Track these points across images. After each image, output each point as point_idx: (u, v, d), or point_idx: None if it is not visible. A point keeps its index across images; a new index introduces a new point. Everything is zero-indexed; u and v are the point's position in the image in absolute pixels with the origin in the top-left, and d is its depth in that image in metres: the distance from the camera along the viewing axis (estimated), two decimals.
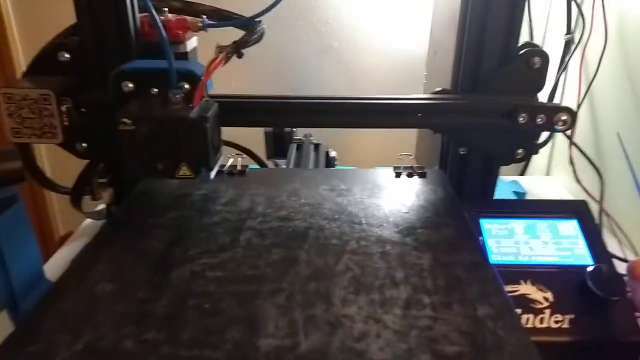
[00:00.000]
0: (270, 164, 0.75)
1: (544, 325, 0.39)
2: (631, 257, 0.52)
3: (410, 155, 0.52)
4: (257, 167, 0.67)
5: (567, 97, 0.73)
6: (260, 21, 0.42)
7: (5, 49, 0.98)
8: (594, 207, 0.49)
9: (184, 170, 0.37)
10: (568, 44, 0.68)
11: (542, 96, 0.47)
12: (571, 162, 0.66)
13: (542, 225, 0.46)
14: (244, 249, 0.36)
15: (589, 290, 0.40)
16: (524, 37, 0.47)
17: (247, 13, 0.44)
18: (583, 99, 0.66)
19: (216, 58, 0.38)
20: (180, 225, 0.39)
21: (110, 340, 0.27)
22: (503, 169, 0.51)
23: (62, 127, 0.42)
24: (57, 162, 0.96)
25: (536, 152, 0.50)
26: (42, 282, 0.40)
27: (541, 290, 0.41)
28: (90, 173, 0.49)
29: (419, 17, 0.94)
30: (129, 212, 0.42)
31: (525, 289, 0.41)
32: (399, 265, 0.34)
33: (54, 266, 0.50)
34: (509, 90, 0.46)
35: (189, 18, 0.43)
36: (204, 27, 0.43)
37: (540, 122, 0.45)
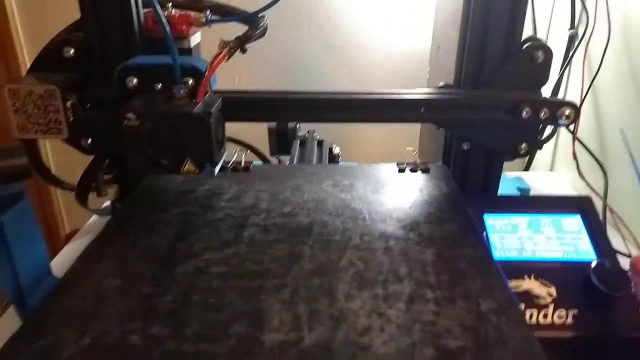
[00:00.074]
0: (273, 160, 0.75)
1: (548, 320, 0.39)
2: (635, 252, 0.52)
3: (414, 151, 0.52)
4: (261, 163, 0.67)
5: (570, 93, 0.72)
6: (263, 16, 0.43)
7: (9, 45, 0.98)
8: (597, 203, 0.49)
9: (188, 166, 0.37)
10: (571, 39, 0.68)
11: (546, 92, 0.47)
12: (575, 158, 0.66)
13: (545, 220, 0.46)
14: (247, 245, 0.36)
15: (592, 286, 0.40)
16: (527, 33, 0.47)
17: (250, 9, 0.44)
18: (586, 94, 0.66)
19: (220, 53, 0.38)
20: (184, 221, 0.39)
21: (115, 335, 0.27)
22: (506, 164, 0.51)
23: (67, 123, 0.42)
24: (62, 160, 0.97)
25: (540, 148, 0.50)
26: (49, 278, 0.40)
27: (545, 285, 0.41)
28: (96, 169, 0.50)
29: (422, 13, 0.93)
30: (133, 208, 0.42)
31: (529, 284, 0.41)
32: (403, 260, 0.34)
33: (61, 263, 0.51)
34: (513, 85, 0.46)
35: (192, 13, 0.43)
36: (208, 23, 0.43)
37: (543, 117, 0.44)
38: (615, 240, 0.48)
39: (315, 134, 0.76)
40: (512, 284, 0.41)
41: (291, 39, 0.99)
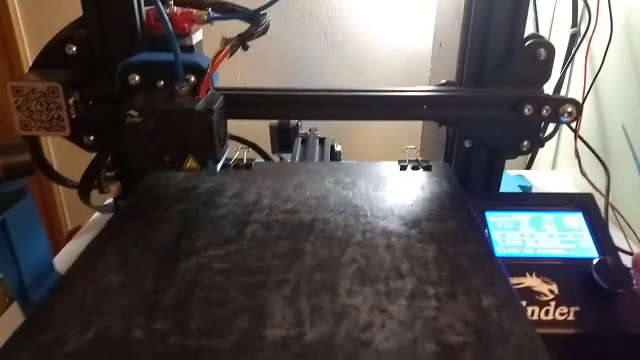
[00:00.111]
0: (275, 158, 0.75)
1: (549, 317, 0.39)
2: (637, 250, 0.52)
3: (416, 149, 0.52)
4: (263, 161, 0.67)
5: (573, 91, 0.72)
6: (265, 14, 0.43)
7: (11, 42, 0.98)
8: (600, 201, 0.49)
9: (191, 163, 0.37)
10: (574, 37, 0.68)
11: (548, 90, 0.47)
12: (577, 156, 0.66)
13: (547, 218, 0.46)
14: (250, 241, 0.36)
15: (594, 283, 0.40)
16: (529, 31, 0.47)
17: (252, 6, 0.44)
18: (588, 92, 0.66)
19: (222, 50, 0.38)
20: (186, 217, 0.39)
21: (119, 330, 0.27)
22: (508, 163, 0.51)
23: (70, 120, 0.42)
24: (64, 158, 0.97)
25: (542, 145, 0.50)
26: (52, 274, 0.40)
27: (546, 282, 0.41)
28: (98, 166, 0.50)
29: (424, 11, 0.93)
30: (135, 205, 0.42)
31: (531, 281, 0.41)
32: (404, 257, 0.34)
33: (63, 259, 0.51)
34: (515, 82, 0.46)
35: (194, 11, 0.44)
36: (210, 20, 0.43)
37: (545, 114, 0.44)
38: (617, 238, 0.48)
39: (316, 132, 0.76)
40: (514, 281, 0.41)
41: (293, 37, 0.99)
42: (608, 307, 0.39)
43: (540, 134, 0.49)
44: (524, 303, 0.40)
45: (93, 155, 0.50)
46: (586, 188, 0.63)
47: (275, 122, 0.75)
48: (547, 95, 0.46)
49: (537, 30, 0.68)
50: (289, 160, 0.70)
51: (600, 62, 0.63)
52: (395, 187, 0.44)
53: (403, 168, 0.48)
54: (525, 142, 0.48)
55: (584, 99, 0.66)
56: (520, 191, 0.68)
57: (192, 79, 0.38)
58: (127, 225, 0.38)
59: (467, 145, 0.49)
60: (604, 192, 0.59)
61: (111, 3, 0.43)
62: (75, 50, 0.44)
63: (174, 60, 0.38)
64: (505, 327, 0.28)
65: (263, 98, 0.47)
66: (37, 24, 0.99)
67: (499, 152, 0.50)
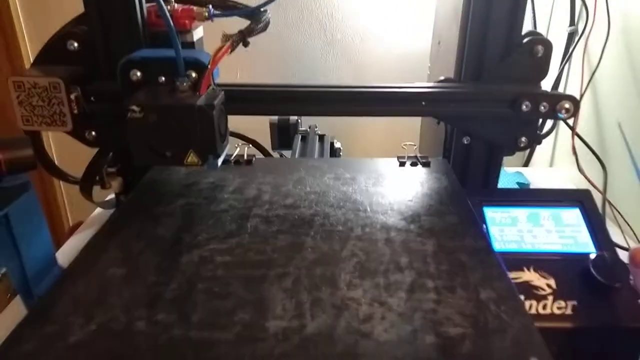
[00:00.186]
0: (275, 155, 0.75)
1: (547, 311, 0.40)
2: (634, 246, 0.53)
3: (414, 145, 0.52)
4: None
5: (570, 90, 0.73)
6: (266, 10, 0.43)
7: (12, 39, 0.98)
8: (597, 198, 0.49)
9: (192, 158, 0.37)
10: (571, 36, 0.68)
11: (545, 88, 0.47)
12: (574, 153, 0.66)
13: (545, 213, 0.47)
14: (251, 235, 0.36)
15: (591, 277, 0.40)
16: (527, 29, 0.47)
17: (253, 3, 0.44)
18: (585, 90, 0.66)
19: (222, 47, 0.38)
20: (188, 212, 0.39)
21: (122, 322, 0.28)
22: (506, 160, 0.52)
23: (72, 116, 0.42)
24: (65, 155, 0.97)
25: (539, 142, 0.50)
26: (55, 268, 0.40)
27: (544, 277, 0.41)
28: (100, 162, 0.50)
29: (423, 10, 0.93)
30: (138, 200, 0.42)
31: (528, 276, 0.42)
32: (404, 251, 0.34)
33: (65, 254, 0.51)
34: (513, 78, 0.46)
35: (195, 7, 0.44)
36: (210, 17, 0.43)
37: (543, 110, 0.45)
38: (615, 234, 0.48)
39: (316, 129, 0.76)
40: (512, 276, 0.41)
41: (293, 34, 0.99)
42: (605, 301, 0.40)
43: (538, 131, 0.50)
44: (521, 297, 0.40)
45: (94, 151, 0.50)
46: (583, 185, 0.64)
47: (275, 119, 0.75)
48: (545, 91, 0.46)
49: (535, 28, 0.68)
50: (289, 157, 0.71)
51: (598, 61, 0.63)
52: (395, 183, 0.45)
53: (402, 164, 0.49)
54: (523, 139, 0.48)
55: (581, 97, 0.66)
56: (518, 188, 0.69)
57: (193, 75, 0.39)
58: (129, 220, 0.38)
59: (466, 142, 0.50)
60: (601, 188, 0.60)
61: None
62: (76, 46, 0.45)
63: (175, 56, 0.38)
64: (503, 320, 0.28)
65: (263, 94, 0.47)
66: (38, 20, 0.99)
67: (497, 148, 0.50)
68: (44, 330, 0.27)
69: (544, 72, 0.46)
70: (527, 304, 0.40)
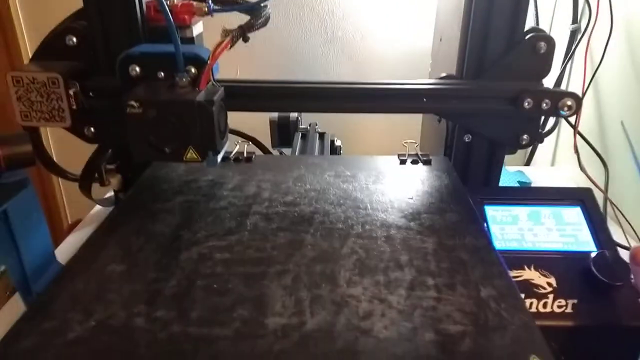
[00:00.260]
0: (275, 152, 0.75)
1: (547, 310, 0.40)
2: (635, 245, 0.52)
3: (415, 143, 0.52)
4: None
5: (572, 88, 0.72)
6: (266, 6, 0.42)
7: (11, 34, 0.98)
8: (598, 197, 0.49)
9: (191, 154, 0.37)
10: (574, 34, 0.68)
11: (548, 87, 0.47)
12: (576, 151, 0.66)
13: (546, 212, 0.46)
14: (250, 232, 0.36)
15: (592, 276, 0.40)
16: (530, 26, 0.47)
17: None
18: (587, 88, 0.66)
19: (222, 42, 0.38)
20: (187, 209, 0.39)
21: (121, 318, 0.27)
22: (508, 159, 0.52)
23: (71, 111, 0.42)
24: (63, 152, 0.97)
25: (541, 141, 0.50)
26: (54, 265, 0.40)
27: (545, 275, 0.41)
28: (99, 159, 0.50)
29: (424, 6, 0.93)
30: (137, 197, 0.42)
31: (529, 274, 0.41)
32: (404, 248, 0.34)
33: (64, 252, 0.51)
34: (515, 75, 0.46)
35: (194, 3, 0.44)
36: (210, 12, 0.43)
37: (545, 108, 0.45)
38: (616, 234, 0.48)
39: (316, 127, 0.76)
40: (512, 274, 0.41)
41: (293, 31, 0.99)
42: (606, 300, 0.40)
43: (540, 130, 0.49)
44: (522, 296, 0.40)
45: (93, 147, 0.50)
46: (585, 184, 0.64)
47: (275, 116, 0.75)
48: (547, 88, 0.46)
49: (538, 25, 0.68)
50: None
51: (600, 58, 0.63)
52: (395, 180, 0.45)
53: (403, 162, 0.49)
54: (525, 136, 0.48)
55: (583, 95, 0.66)
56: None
57: (193, 70, 0.38)
58: (129, 217, 0.38)
59: (467, 140, 0.49)
60: (602, 187, 0.60)
61: None
62: (75, 42, 0.44)
63: (175, 52, 0.38)
64: (503, 317, 0.28)
65: (263, 90, 0.47)
66: (36, 15, 0.99)
67: (498, 146, 0.50)
68: (42, 326, 0.27)
69: (546, 69, 0.46)
70: (527, 302, 0.40)
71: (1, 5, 0.96)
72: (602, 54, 0.62)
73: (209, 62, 0.38)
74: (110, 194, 0.58)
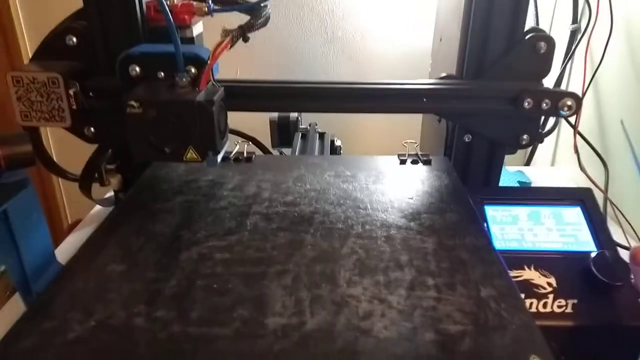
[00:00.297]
0: (275, 152, 0.75)
1: (547, 310, 0.40)
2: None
3: (415, 143, 0.52)
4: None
5: (572, 88, 0.72)
6: (266, 6, 0.42)
7: (11, 34, 0.98)
8: (599, 197, 0.49)
9: (191, 154, 0.37)
10: (574, 34, 0.68)
11: (548, 87, 0.47)
12: (576, 151, 0.66)
13: (546, 212, 0.46)
14: (250, 232, 0.36)
15: (592, 276, 0.40)
16: (530, 26, 0.47)
17: None
18: (587, 88, 0.66)
19: (222, 42, 0.38)
20: (188, 209, 0.39)
21: (121, 318, 0.27)
22: (508, 159, 0.52)
23: (71, 111, 0.42)
24: (63, 153, 0.97)
25: (541, 141, 0.50)
26: (54, 265, 0.40)
27: (545, 275, 0.41)
28: (99, 159, 0.50)
29: (424, 6, 0.93)
30: (137, 197, 0.42)
31: (529, 274, 0.41)
32: (404, 248, 0.34)
33: (64, 252, 0.51)
34: (515, 75, 0.46)
35: (194, 3, 0.43)
36: (210, 12, 0.43)
37: (545, 108, 0.45)
38: (616, 234, 0.48)
39: (316, 127, 0.76)
40: (512, 274, 0.41)
41: (293, 31, 0.99)
42: (606, 300, 0.40)
43: (540, 130, 0.49)
44: (522, 296, 0.40)
45: (93, 147, 0.50)
46: (585, 184, 0.64)
47: (275, 116, 0.75)
48: (547, 88, 0.46)
49: (538, 25, 0.68)
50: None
51: (600, 58, 0.63)
52: (395, 180, 0.45)
53: (403, 162, 0.49)
54: (525, 136, 0.48)
55: (583, 95, 0.66)
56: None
57: (193, 70, 0.38)
58: (129, 217, 0.38)
59: (467, 140, 0.49)
60: (602, 187, 0.60)
61: None
62: (75, 42, 0.44)
63: (175, 52, 0.38)
64: (503, 317, 0.28)
65: (263, 90, 0.47)
66: (36, 15, 0.99)
67: (498, 146, 0.50)
68: (42, 326, 0.27)
69: (546, 69, 0.46)
70: (527, 302, 0.40)
71: (1, 5, 0.96)
72: (602, 54, 0.62)
73: (209, 62, 0.38)
74: (110, 194, 0.57)
